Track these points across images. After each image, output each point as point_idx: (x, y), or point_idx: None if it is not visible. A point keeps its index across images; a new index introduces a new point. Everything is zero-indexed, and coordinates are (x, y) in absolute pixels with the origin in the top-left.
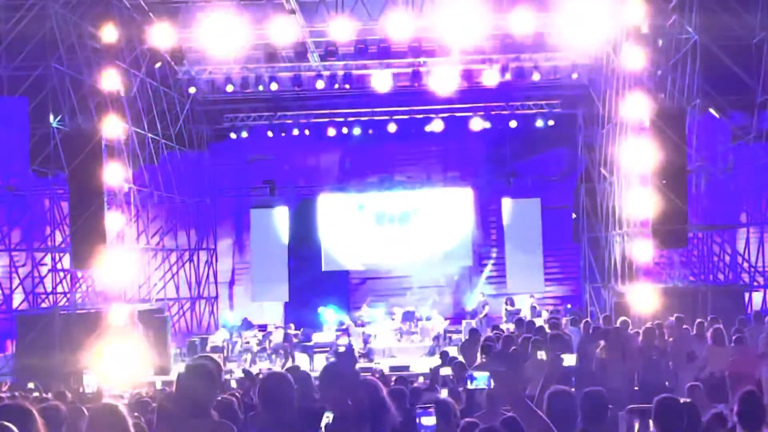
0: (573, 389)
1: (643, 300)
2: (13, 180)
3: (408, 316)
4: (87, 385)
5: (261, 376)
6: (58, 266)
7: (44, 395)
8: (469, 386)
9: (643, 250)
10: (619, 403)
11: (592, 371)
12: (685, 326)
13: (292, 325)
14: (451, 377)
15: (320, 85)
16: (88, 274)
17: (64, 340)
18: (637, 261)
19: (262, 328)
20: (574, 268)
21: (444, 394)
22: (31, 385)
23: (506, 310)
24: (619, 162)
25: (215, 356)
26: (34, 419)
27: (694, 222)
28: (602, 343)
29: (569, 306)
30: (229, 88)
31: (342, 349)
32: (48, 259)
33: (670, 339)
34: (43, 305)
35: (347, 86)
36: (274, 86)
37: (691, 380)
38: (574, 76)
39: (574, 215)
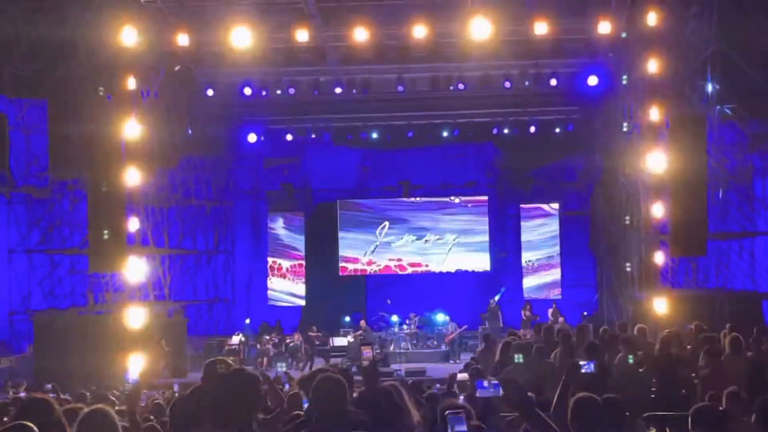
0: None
1: (661, 307)
2: (33, 182)
3: (424, 321)
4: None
5: (317, 378)
6: (76, 268)
7: (62, 396)
8: (479, 394)
9: (661, 257)
10: (635, 410)
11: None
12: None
13: (313, 327)
14: (467, 383)
15: (338, 89)
16: (106, 276)
17: (82, 341)
18: (655, 268)
19: (288, 332)
20: (591, 274)
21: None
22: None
23: (524, 315)
24: (638, 168)
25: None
26: (54, 411)
27: (712, 229)
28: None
29: (585, 313)
30: (247, 92)
31: (365, 364)
32: (67, 261)
33: (688, 347)
34: (61, 307)
35: (365, 91)
36: (292, 90)
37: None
38: (593, 81)
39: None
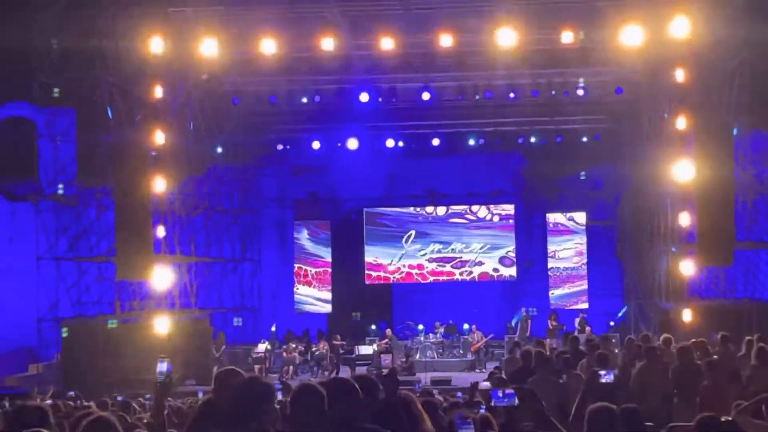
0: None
1: (688, 317)
2: (61, 190)
3: (450, 330)
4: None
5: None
6: (104, 276)
7: (85, 403)
8: (493, 403)
9: (689, 267)
10: (658, 421)
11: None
12: (729, 344)
13: (338, 336)
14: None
15: (364, 98)
16: (133, 283)
17: (109, 348)
18: (682, 278)
19: (313, 339)
20: (618, 283)
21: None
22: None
23: (550, 325)
24: (665, 178)
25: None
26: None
27: (740, 239)
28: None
29: (612, 323)
30: (274, 100)
31: (385, 372)
32: (94, 269)
33: (714, 357)
34: (89, 314)
35: (392, 99)
36: (318, 98)
37: (736, 399)
38: (620, 91)
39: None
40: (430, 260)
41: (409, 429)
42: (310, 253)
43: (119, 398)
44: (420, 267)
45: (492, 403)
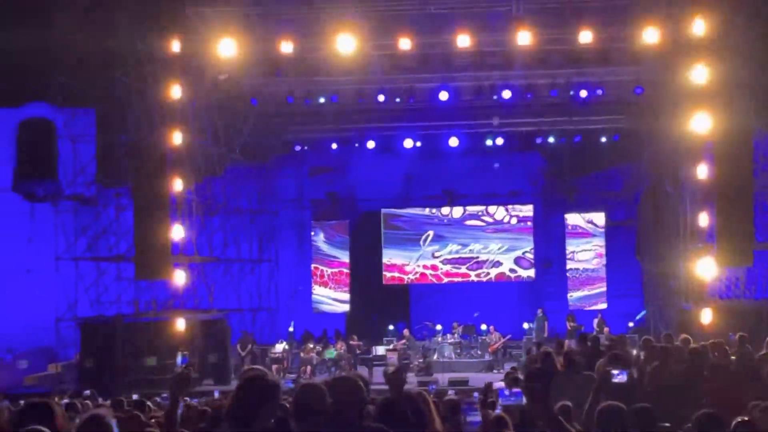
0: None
1: (707, 318)
2: (80, 190)
3: (468, 331)
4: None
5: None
6: (123, 275)
7: (100, 403)
8: (501, 402)
9: (708, 268)
10: (677, 421)
11: (645, 389)
12: (747, 344)
13: (354, 337)
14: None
15: (382, 97)
16: (152, 283)
17: (127, 348)
18: (702, 278)
19: (330, 339)
20: (637, 284)
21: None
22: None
23: (569, 326)
24: (684, 178)
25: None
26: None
27: (760, 239)
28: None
29: (631, 324)
30: (290, 101)
31: (391, 369)
32: (113, 268)
33: (732, 358)
34: (107, 314)
35: (409, 99)
36: (335, 99)
37: (752, 401)
38: (639, 90)
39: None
40: (446, 261)
41: (416, 428)
42: (326, 254)
43: (135, 397)
44: (435, 268)
45: (499, 402)
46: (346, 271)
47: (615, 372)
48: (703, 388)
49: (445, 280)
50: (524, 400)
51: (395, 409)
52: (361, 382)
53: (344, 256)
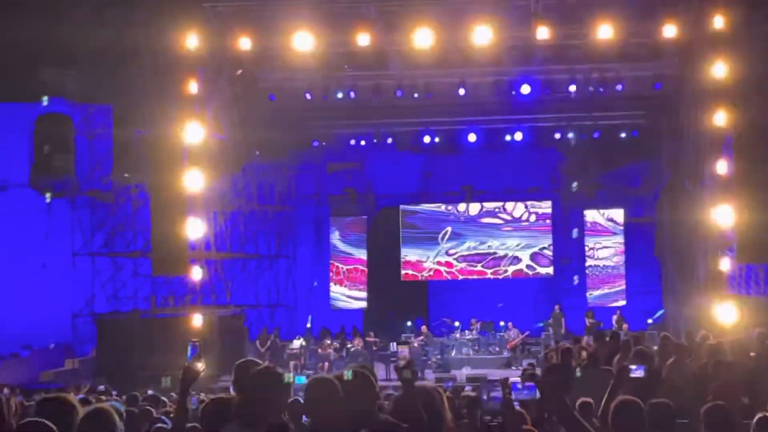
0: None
1: (727, 315)
2: (97, 185)
3: (486, 327)
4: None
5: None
6: (140, 271)
7: (114, 398)
8: (513, 396)
9: (728, 264)
10: (691, 418)
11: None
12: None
13: (371, 333)
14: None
15: (400, 93)
16: (169, 279)
17: (144, 344)
18: (722, 275)
19: (348, 336)
20: (657, 281)
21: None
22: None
23: (588, 322)
24: (704, 174)
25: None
26: (74, 412)
27: None
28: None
29: (650, 321)
30: (308, 96)
31: (402, 363)
32: (130, 264)
33: (752, 354)
34: (124, 310)
35: (428, 95)
36: (353, 94)
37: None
38: (659, 86)
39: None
40: (462, 258)
41: (428, 423)
42: (341, 251)
43: (150, 392)
44: (450, 265)
45: (513, 397)
46: (361, 268)
47: (633, 367)
48: (709, 385)
49: (461, 277)
50: (537, 394)
51: (409, 403)
52: (372, 376)
53: (360, 254)
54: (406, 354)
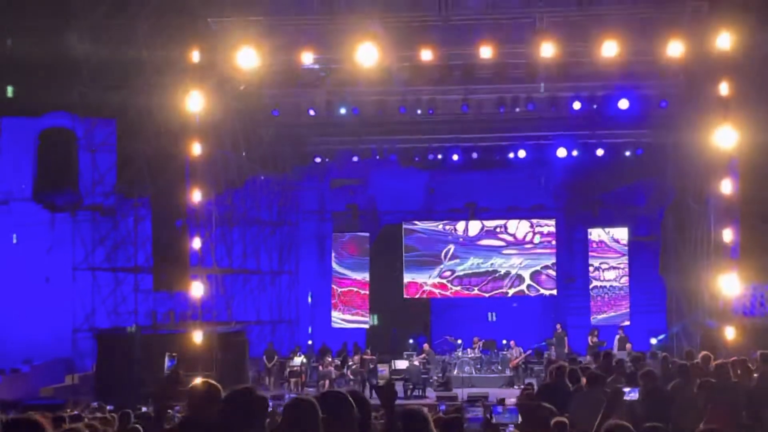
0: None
1: (731, 335)
2: (99, 200)
3: (488, 346)
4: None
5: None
6: (141, 286)
7: (106, 415)
8: (494, 420)
9: (732, 284)
10: None
11: (661, 407)
12: None
13: (368, 351)
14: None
15: (403, 109)
16: (170, 294)
17: (144, 359)
18: (726, 295)
19: (350, 353)
20: (661, 300)
21: None
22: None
23: (591, 341)
24: (709, 194)
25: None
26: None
27: None
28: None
29: (654, 341)
30: (312, 113)
31: (382, 383)
32: (131, 279)
33: (755, 375)
34: (125, 325)
35: (431, 111)
36: (356, 111)
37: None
38: (664, 104)
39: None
40: (459, 281)
41: None
42: (336, 272)
43: (144, 410)
44: (449, 285)
45: (492, 420)
46: (356, 290)
47: (627, 390)
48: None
49: (477, 292)
50: (519, 418)
51: (388, 425)
52: (352, 397)
53: (356, 275)
54: (386, 373)
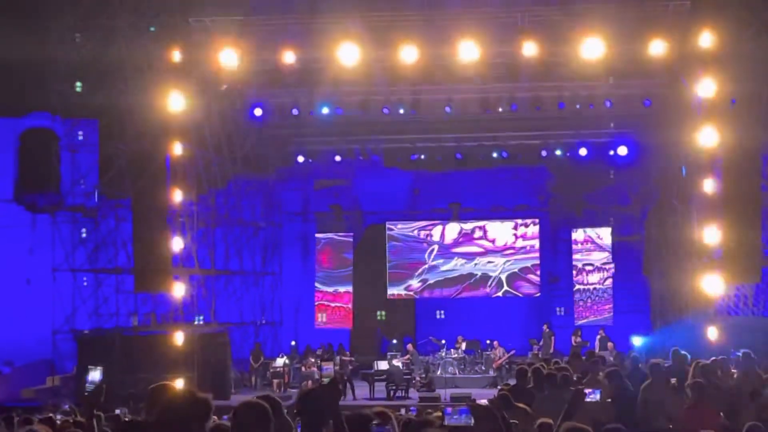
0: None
1: (714, 335)
2: (79, 200)
3: (472, 346)
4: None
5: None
6: (122, 288)
7: (77, 419)
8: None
9: (715, 284)
10: None
11: (632, 408)
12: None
13: (347, 352)
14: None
15: (386, 110)
16: (152, 295)
17: (125, 362)
18: (709, 294)
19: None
20: (645, 300)
21: None
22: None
23: (574, 342)
24: (692, 193)
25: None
26: None
27: None
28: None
29: (636, 344)
30: (295, 112)
31: (326, 381)
32: (112, 280)
33: (734, 375)
34: (106, 326)
35: (413, 112)
36: (340, 111)
37: (753, 420)
38: (648, 103)
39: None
40: (454, 275)
41: None
42: (319, 289)
43: (117, 411)
44: (443, 283)
45: (445, 422)
46: (339, 305)
47: (588, 391)
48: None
49: (461, 292)
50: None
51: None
52: (269, 404)
53: (340, 288)
54: (331, 371)
